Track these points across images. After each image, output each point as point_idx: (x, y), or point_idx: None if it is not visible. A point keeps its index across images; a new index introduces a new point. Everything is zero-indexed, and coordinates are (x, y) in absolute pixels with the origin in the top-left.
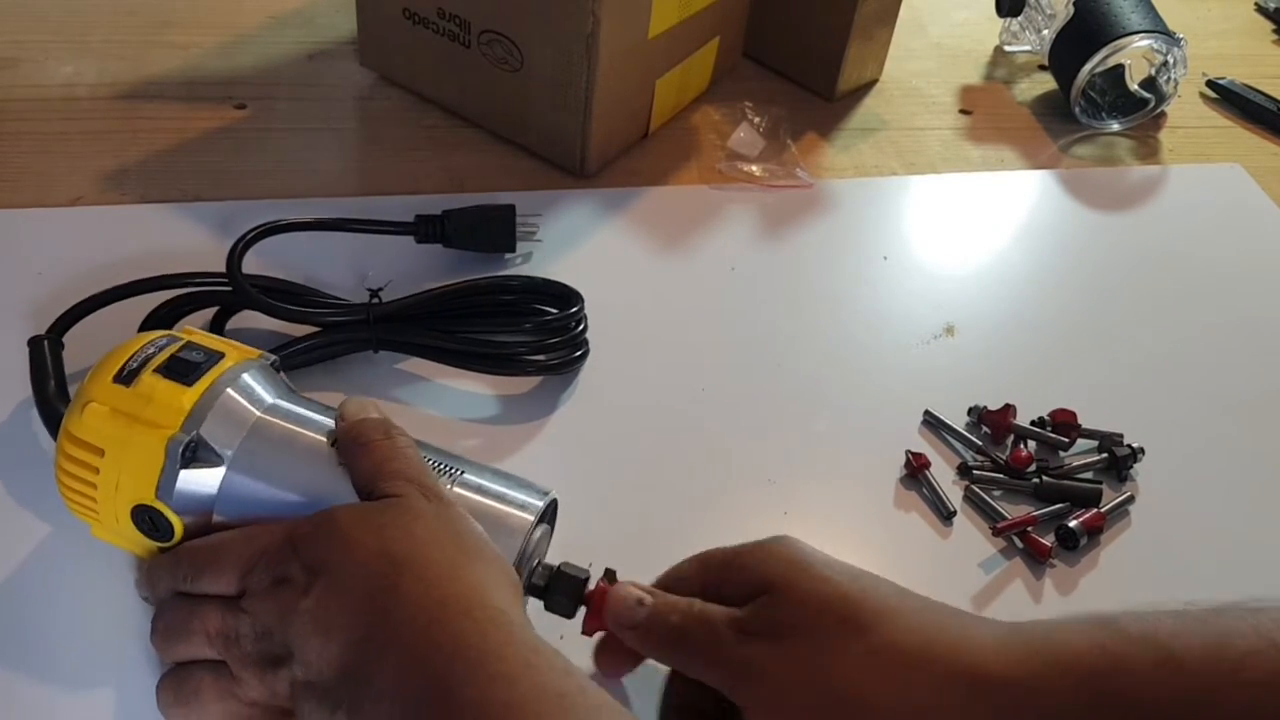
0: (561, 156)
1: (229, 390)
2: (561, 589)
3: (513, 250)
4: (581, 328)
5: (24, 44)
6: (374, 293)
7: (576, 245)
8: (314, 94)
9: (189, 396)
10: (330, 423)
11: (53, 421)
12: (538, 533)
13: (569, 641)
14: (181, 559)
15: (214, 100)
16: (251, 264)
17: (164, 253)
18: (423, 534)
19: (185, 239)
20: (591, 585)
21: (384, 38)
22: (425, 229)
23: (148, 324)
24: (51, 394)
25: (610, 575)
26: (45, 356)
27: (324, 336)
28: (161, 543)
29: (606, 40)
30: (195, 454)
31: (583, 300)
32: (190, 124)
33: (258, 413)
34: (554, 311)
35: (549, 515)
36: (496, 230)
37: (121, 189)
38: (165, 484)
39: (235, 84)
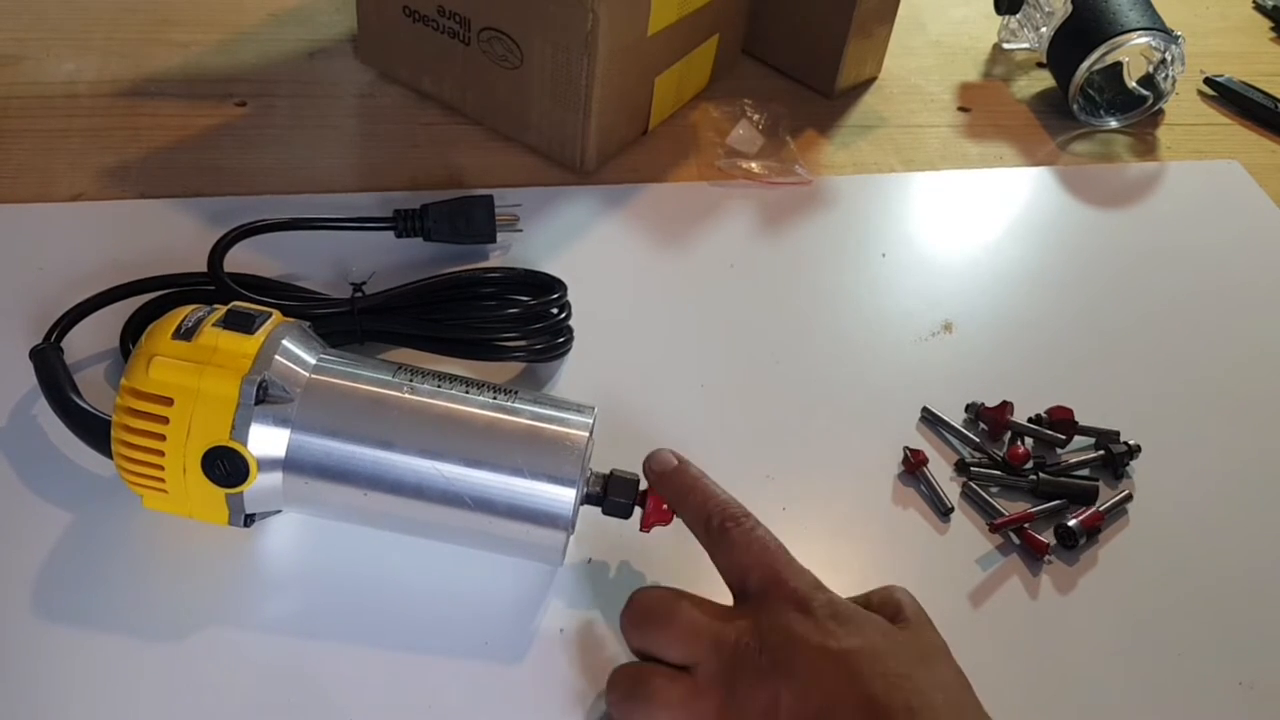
0: (561, 153)
1: (287, 338)
2: (618, 492)
3: (493, 240)
4: (564, 314)
5: (25, 42)
6: (357, 286)
7: (576, 242)
8: (314, 91)
9: (253, 343)
10: (385, 368)
11: (78, 419)
12: (590, 446)
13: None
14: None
15: (214, 97)
16: (238, 263)
17: (164, 248)
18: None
19: (185, 234)
20: (643, 486)
21: (384, 35)
22: (404, 223)
23: (132, 323)
24: (71, 396)
25: None
26: (52, 363)
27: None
28: (230, 489)
29: (606, 37)
30: (267, 392)
31: (565, 288)
32: (191, 121)
33: (316, 357)
34: (536, 298)
35: (593, 428)
36: (476, 221)
37: (122, 185)
38: (240, 423)
39: (235, 81)
